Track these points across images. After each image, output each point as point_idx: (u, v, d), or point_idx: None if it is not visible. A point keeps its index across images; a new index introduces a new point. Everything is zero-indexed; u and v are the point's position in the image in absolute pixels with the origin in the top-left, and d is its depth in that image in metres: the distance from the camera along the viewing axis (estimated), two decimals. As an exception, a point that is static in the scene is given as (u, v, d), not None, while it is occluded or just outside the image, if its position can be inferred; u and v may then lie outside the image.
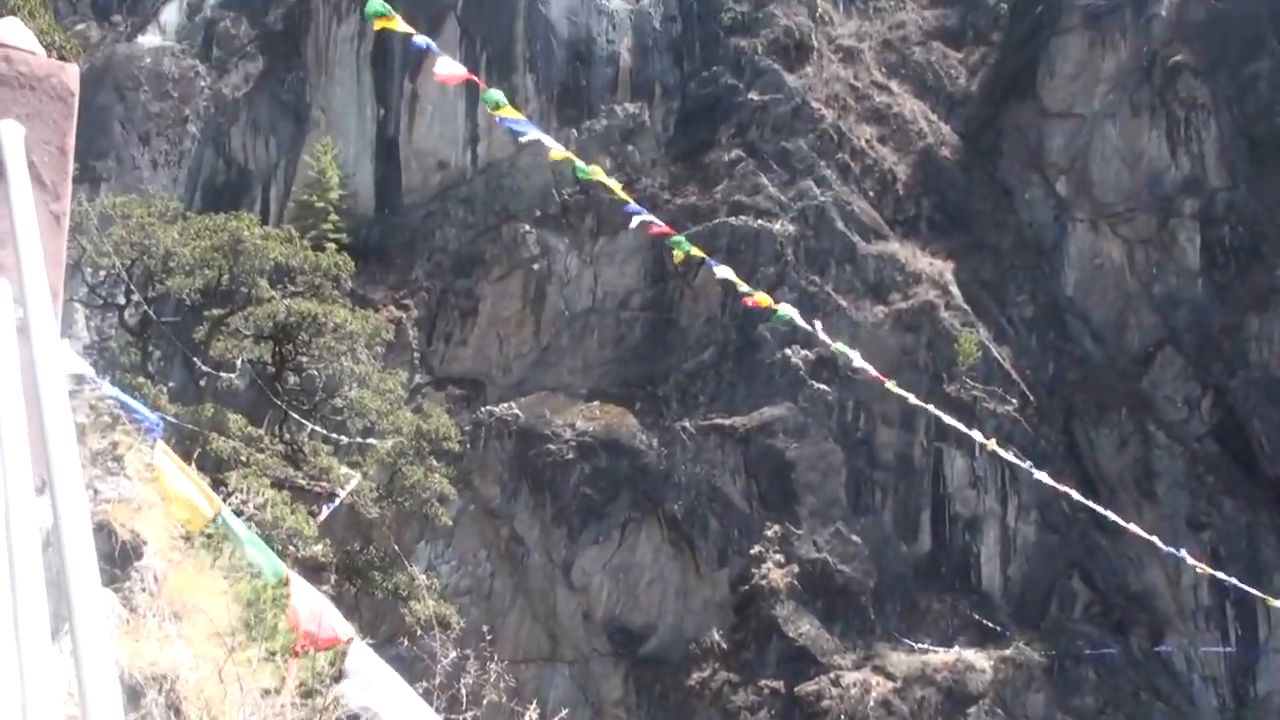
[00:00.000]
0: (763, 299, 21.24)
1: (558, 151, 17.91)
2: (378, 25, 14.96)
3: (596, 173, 18.24)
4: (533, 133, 16.74)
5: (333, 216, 48.93)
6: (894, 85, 58.96)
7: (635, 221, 19.38)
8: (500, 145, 53.26)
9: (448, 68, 15.46)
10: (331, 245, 41.08)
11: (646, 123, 55.46)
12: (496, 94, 15.98)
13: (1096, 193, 54.23)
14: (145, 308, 31.99)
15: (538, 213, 52.80)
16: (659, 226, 19.92)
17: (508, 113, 16.09)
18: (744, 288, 20.81)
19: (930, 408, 26.72)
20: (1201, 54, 54.31)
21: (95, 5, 58.35)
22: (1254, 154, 53.04)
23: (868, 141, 55.80)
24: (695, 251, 20.43)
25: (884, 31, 61.74)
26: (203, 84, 55.87)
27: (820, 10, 60.68)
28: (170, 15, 58.32)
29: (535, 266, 52.00)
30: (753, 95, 55.53)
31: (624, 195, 19.22)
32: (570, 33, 56.73)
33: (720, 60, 57.08)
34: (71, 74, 2.70)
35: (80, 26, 55.45)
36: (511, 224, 52.68)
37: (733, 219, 51.44)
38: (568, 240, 52.62)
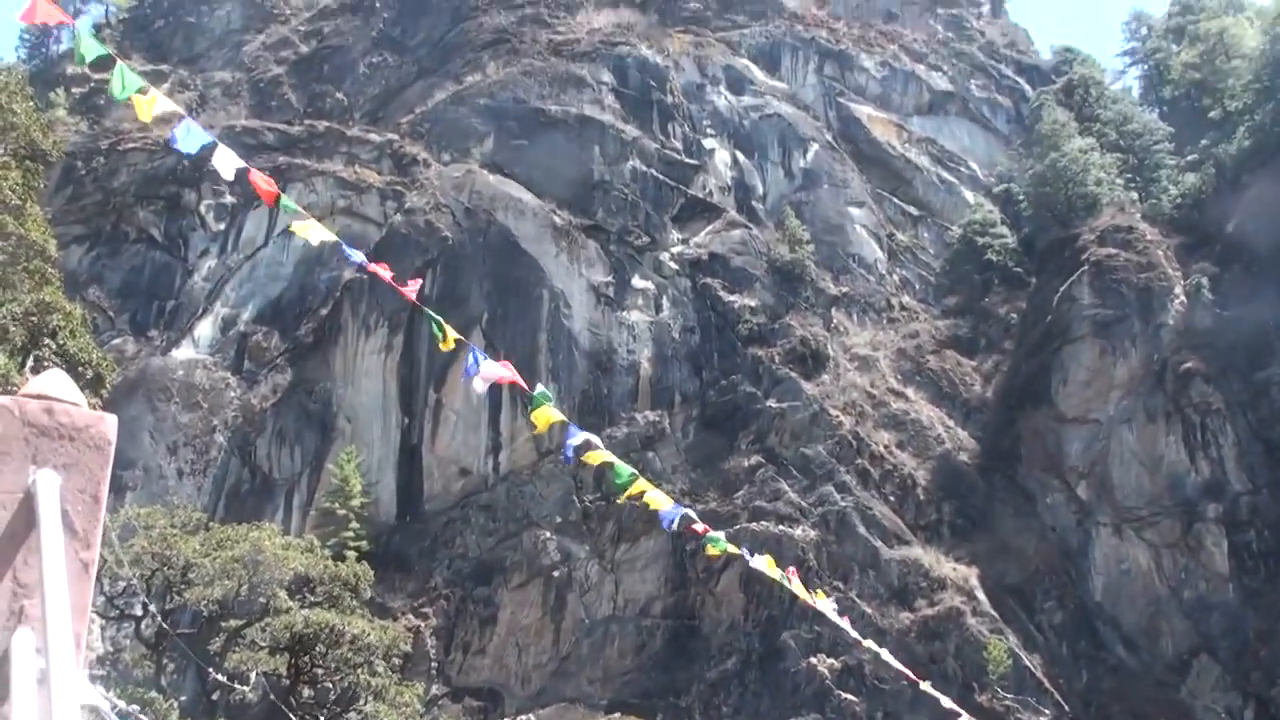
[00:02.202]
0: (799, 589, 21.08)
1: (596, 454, 18.01)
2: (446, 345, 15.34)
3: (632, 477, 18.33)
4: (579, 435, 17.02)
5: (354, 524, 49.09)
6: (910, 392, 59.97)
7: (676, 517, 19.40)
8: (522, 453, 54.03)
9: (494, 370, 15.78)
10: (352, 553, 41.13)
11: (667, 430, 56.26)
12: (546, 393, 16.33)
13: (1118, 497, 54.11)
14: (161, 620, 31.69)
15: (558, 519, 52.91)
16: (696, 524, 19.94)
17: (546, 414, 16.33)
18: (777, 573, 20.60)
19: (964, 714, 25.87)
20: (1211, 361, 55.23)
21: (133, 321, 60.43)
22: (1272, 458, 53.06)
23: (886, 447, 56.28)
24: (731, 549, 20.49)
25: (898, 340, 63.33)
26: (232, 395, 57.18)
27: (835, 321, 62.49)
28: (204, 329, 60.31)
29: (555, 574, 51.65)
30: (771, 403, 56.47)
31: (661, 495, 19.29)
32: (592, 344, 58.38)
33: (738, 369, 58.37)
34: (110, 424, 2.81)
35: (117, 341, 57.27)
36: (532, 531, 52.69)
37: (754, 524, 51.34)
38: (588, 547, 52.48)
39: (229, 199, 64.90)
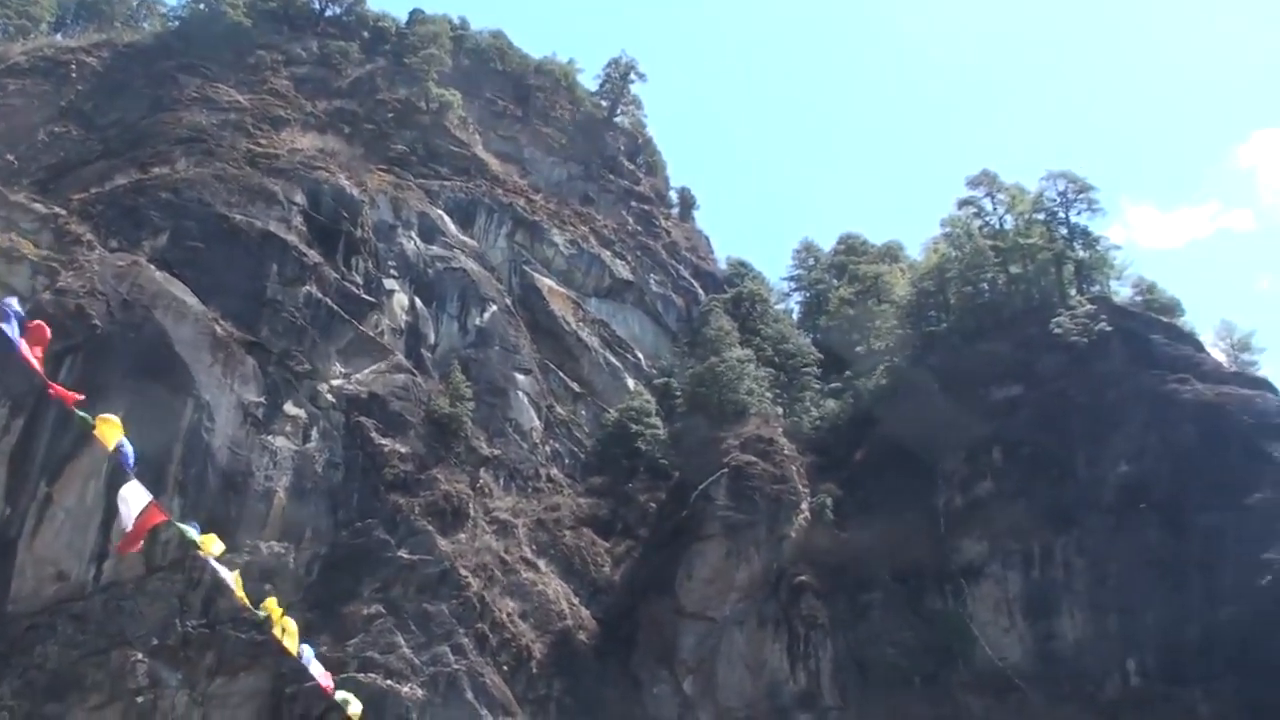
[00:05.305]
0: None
1: (237, 591, 17.79)
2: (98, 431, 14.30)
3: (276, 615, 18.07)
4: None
5: (-78, 615, 44.56)
6: (542, 564, 60.45)
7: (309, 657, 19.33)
8: (130, 565, 50.54)
9: (136, 498, 14.88)
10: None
11: (290, 564, 54.26)
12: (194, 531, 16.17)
13: (720, 695, 55.77)
14: None
15: (154, 641, 49.55)
16: (323, 680, 19.67)
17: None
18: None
19: None
20: (823, 578, 58.47)
21: None
22: (863, 678, 56.14)
23: (509, 615, 56.22)
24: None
25: (539, 511, 64.02)
26: None
27: (481, 481, 62.62)
28: None
29: (139, 699, 48.10)
30: (403, 553, 55.63)
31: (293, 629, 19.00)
32: (229, 463, 55.79)
33: (376, 513, 57.26)
34: None
35: None
36: (123, 650, 49.05)
37: (361, 675, 49.79)
38: (182, 675, 49.28)
39: None
